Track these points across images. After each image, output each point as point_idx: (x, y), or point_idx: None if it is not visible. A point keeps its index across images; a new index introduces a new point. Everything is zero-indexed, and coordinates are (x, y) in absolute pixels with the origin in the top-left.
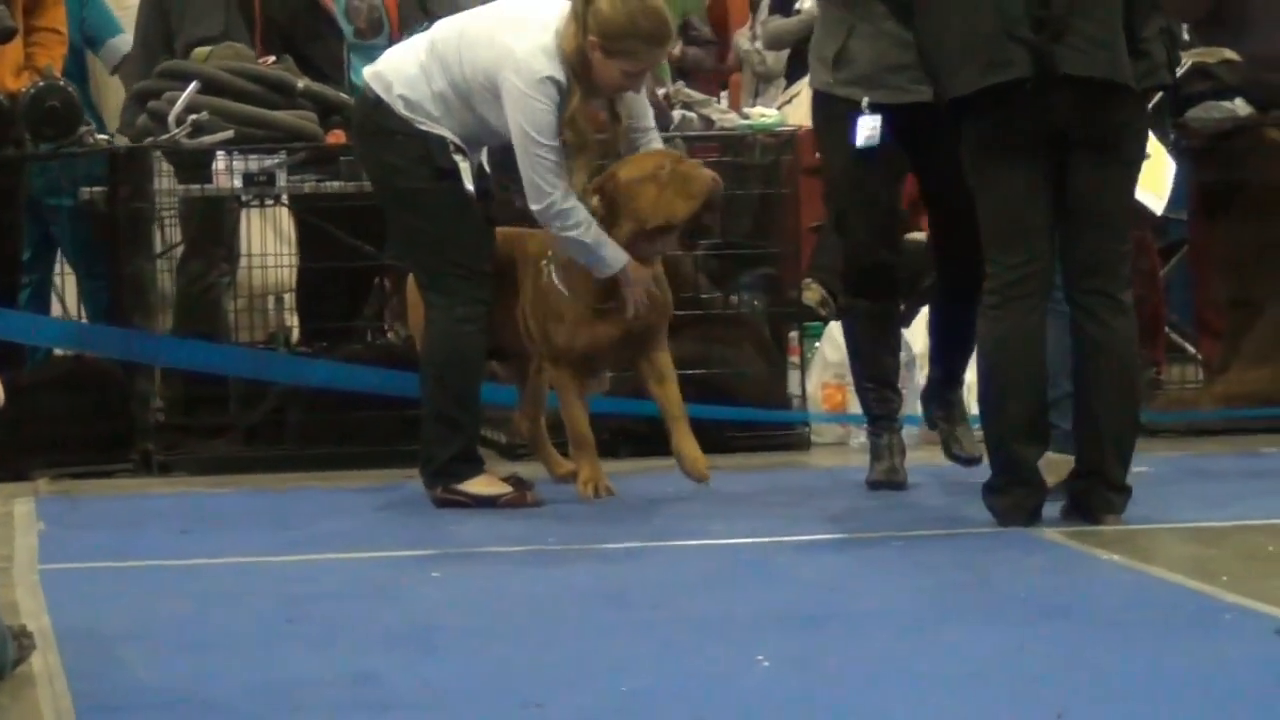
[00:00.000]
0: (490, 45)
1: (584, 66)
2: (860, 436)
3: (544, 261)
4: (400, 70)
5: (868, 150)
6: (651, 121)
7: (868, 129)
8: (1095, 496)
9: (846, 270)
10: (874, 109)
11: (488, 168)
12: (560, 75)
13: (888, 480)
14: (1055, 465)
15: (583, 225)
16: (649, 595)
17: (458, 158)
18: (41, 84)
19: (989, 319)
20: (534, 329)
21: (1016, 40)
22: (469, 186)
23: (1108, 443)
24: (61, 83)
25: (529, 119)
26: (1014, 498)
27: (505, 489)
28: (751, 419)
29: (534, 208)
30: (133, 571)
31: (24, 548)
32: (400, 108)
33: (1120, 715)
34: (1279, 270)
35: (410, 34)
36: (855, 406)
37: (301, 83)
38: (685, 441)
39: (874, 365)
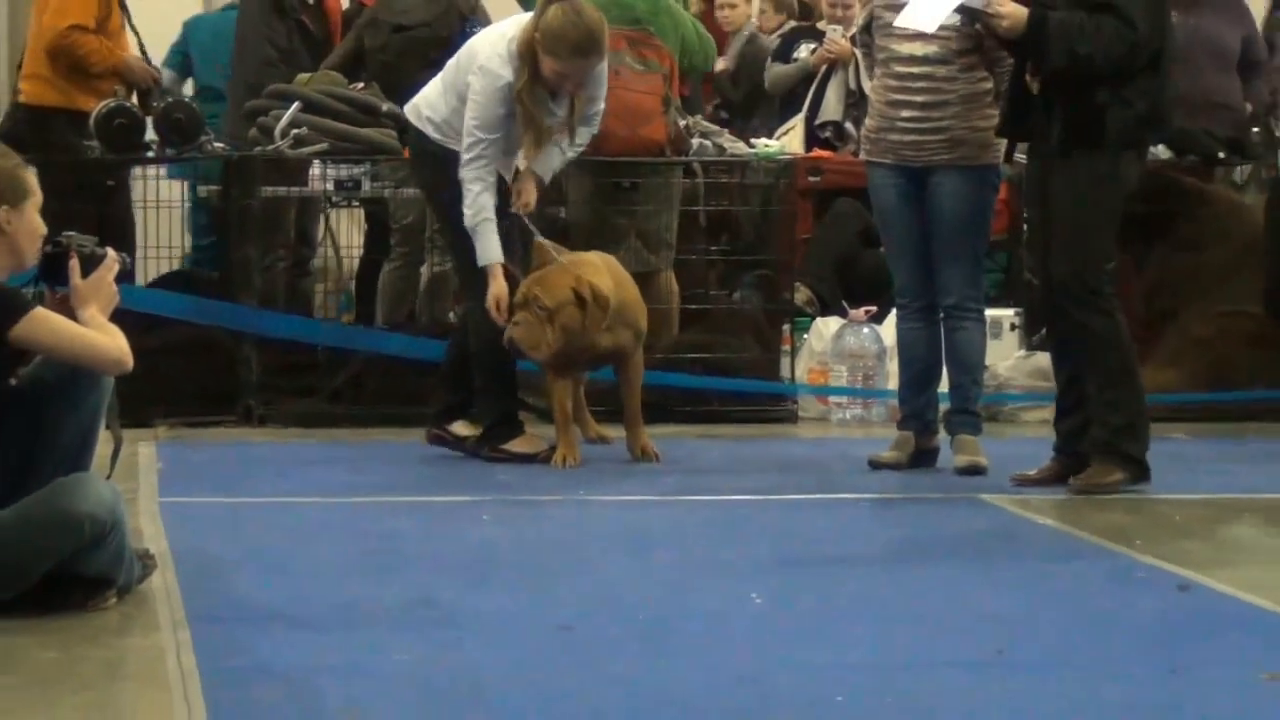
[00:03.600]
0: (469, 59)
1: (531, 57)
2: (840, 413)
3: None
4: (426, 97)
5: None
6: (597, 107)
7: None
8: None
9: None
10: None
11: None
12: (510, 73)
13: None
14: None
15: (473, 210)
16: (663, 540)
17: None
18: (170, 100)
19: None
20: None
21: None
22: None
23: None
24: (186, 99)
25: (475, 112)
26: None
27: (543, 447)
28: (749, 389)
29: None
30: (236, 506)
31: (146, 483)
32: (430, 130)
33: (1050, 652)
34: (1188, 289)
35: None
36: (833, 387)
37: (385, 105)
38: (634, 432)
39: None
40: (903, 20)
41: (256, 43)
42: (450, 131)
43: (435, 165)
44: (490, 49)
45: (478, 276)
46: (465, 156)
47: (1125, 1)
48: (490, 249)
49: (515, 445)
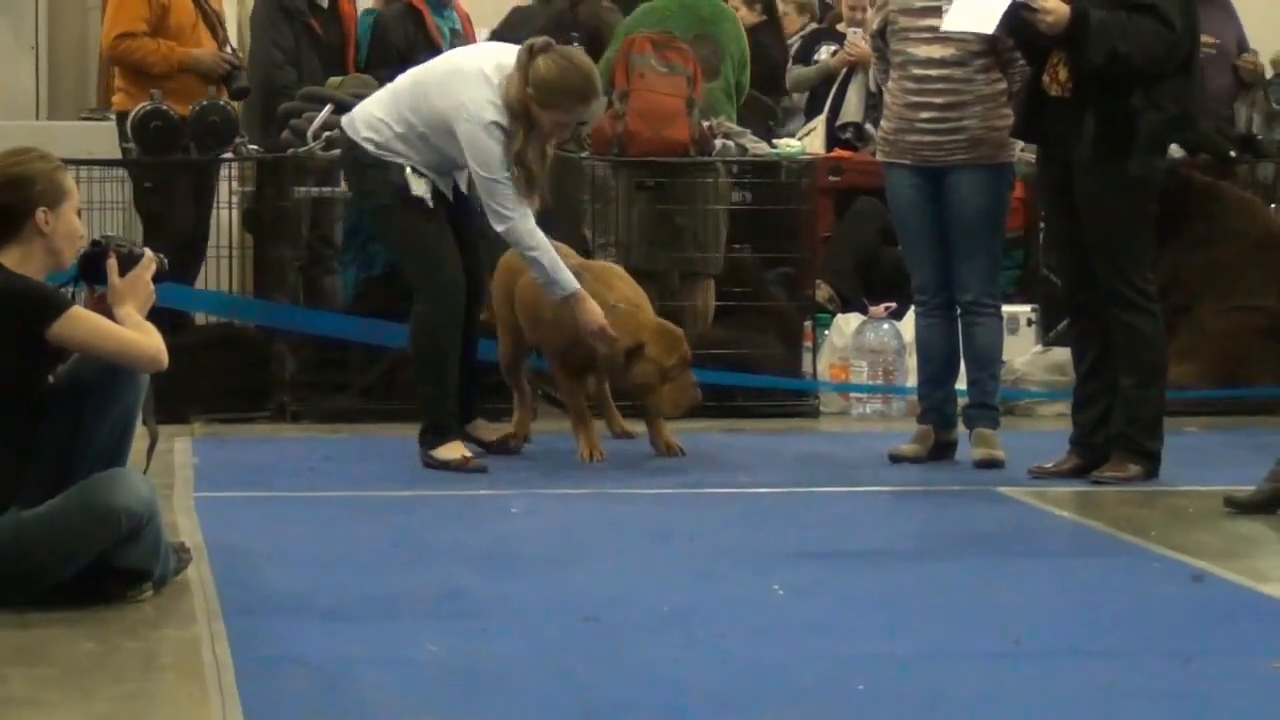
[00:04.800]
0: (444, 97)
1: (525, 114)
2: (861, 408)
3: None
4: (366, 119)
5: None
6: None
7: None
8: None
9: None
10: None
11: (464, 188)
12: (504, 120)
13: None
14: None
15: (539, 249)
16: (687, 531)
17: (410, 176)
18: (205, 103)
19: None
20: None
21: None
22: (416, 193)
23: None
24: (221, 102)
25: (480, 158)
26: None
27: (463, 454)
28: (772, 385)
29: (498, 229)
30: (269, 500)
31: (181, 478)
32: (370, 148)
33: (1066, 642)
34: (1202, 286)
35: None
36: (854, 383)
37: None
38: (655, 428)
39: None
40: (950, 24)
41: (264, 45)
42: (387, 151)
43: (369, 177)
44: (479, 96)
45: (413, 276)
46: (499, 209)
47: (1164, 2)
48: (568, 279)
49: (440, 452)
